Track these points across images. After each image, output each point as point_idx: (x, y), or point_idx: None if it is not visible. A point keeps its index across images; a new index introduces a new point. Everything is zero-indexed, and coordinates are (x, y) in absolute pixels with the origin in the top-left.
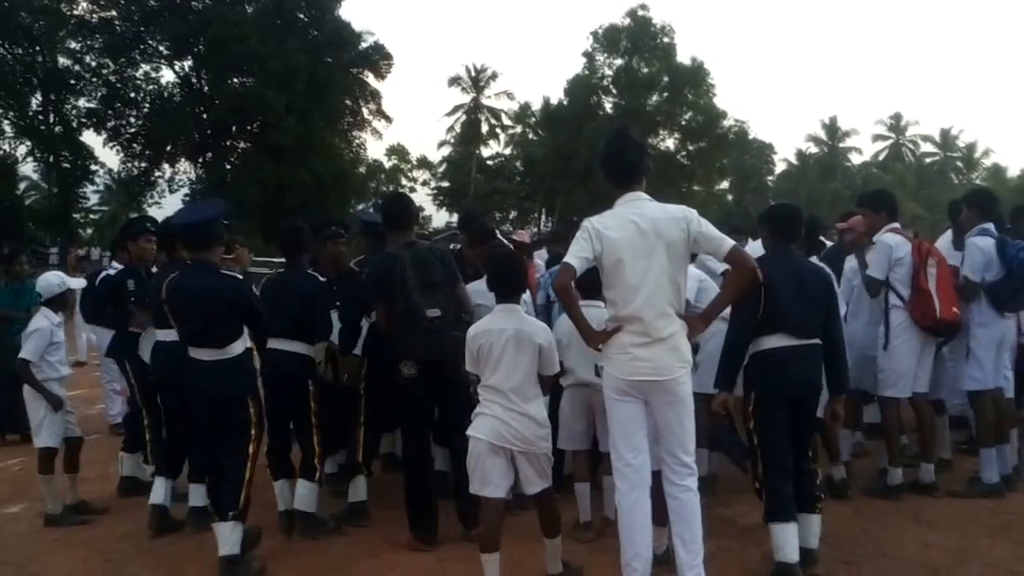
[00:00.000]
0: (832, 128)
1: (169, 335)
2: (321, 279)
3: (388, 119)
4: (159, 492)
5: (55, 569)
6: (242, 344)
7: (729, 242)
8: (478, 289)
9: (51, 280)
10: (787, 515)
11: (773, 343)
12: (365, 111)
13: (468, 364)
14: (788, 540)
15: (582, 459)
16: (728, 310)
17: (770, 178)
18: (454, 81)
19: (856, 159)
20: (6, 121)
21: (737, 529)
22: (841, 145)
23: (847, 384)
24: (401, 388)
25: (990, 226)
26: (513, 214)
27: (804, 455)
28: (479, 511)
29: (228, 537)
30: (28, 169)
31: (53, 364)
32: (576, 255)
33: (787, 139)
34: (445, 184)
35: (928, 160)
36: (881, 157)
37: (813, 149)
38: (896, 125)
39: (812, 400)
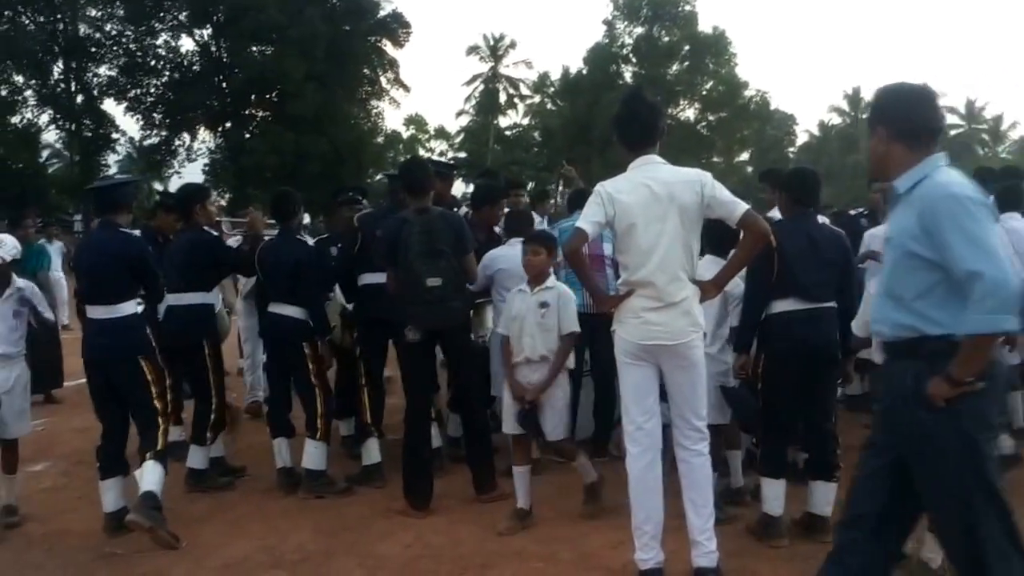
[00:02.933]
0: (855, 99)
1: (180, 299)
2: (310, 244)
3: (406, 88)
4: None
5: (77, 525)
6: (134, 305)
7: (743, 206)
8: (500, 255)
9: None
10: (778, 472)
11: (784, 307)
12: (383, 80)
13: None
14: (776, 495)
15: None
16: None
17: (791, 150)
18: (472, 50)
19: None
20: (29, 90)
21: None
22: (864, 116)
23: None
24: (403, 353)
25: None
26: (531, 185)
27: (826, 419)
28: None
29: (146, 476)
30: (51, 137)
31: None
32: (588, 219)
33: (809, 110)
34: (462, 155)
35: (953, 132)
36: None
37: (835, 120)
38: None
39: (826, 363)
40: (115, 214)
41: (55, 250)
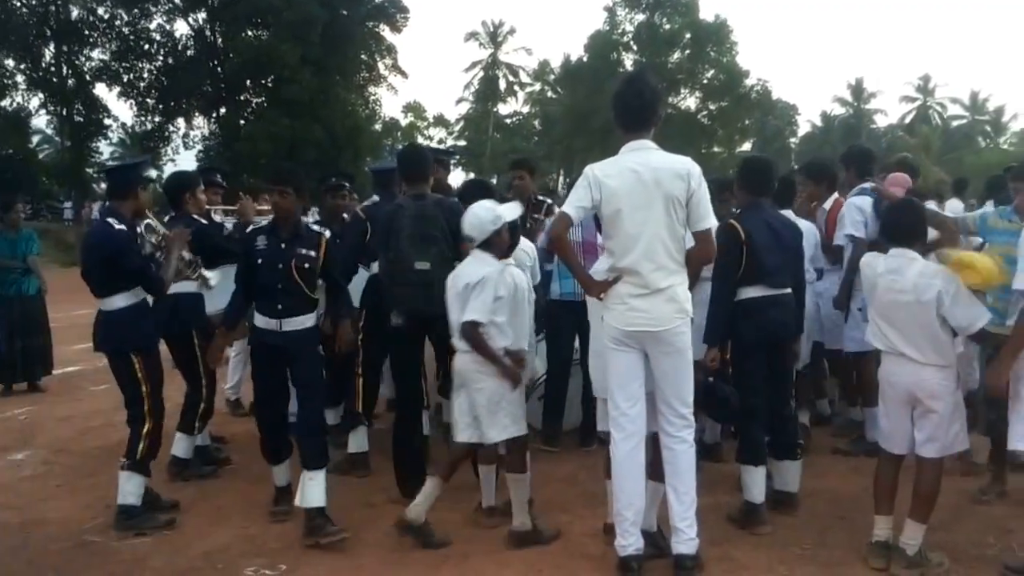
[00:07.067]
0: (858, 89)
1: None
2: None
3: (404, 74)
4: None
5: (55, 513)
6: (126, 298)
7: (710, 222)
8: None
9: (481, 216)
10: (757, 459)
11: (752, 293)
12: (381, 66)
13: None
14: (756, 482)
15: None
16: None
17: (793, 140)
18: (471, 36)
19: (882, 121)
20: (19, 74)
21: (730, 485)
22: (867, 107)
23: (802, 327)
24: (389, 338)
25: (868, 185)
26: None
27: (785, 402)
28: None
29: (123, 487)
30: (41, 123)
31: (501, 326)
32: (574, 204)
33: (812, 100)
34: (462, 143)
35: (955, 123)
36: (908, 119)
37: (838, 111)
38: (924, 87)
39: (785, 347)
40: (117, 200)
41: None
